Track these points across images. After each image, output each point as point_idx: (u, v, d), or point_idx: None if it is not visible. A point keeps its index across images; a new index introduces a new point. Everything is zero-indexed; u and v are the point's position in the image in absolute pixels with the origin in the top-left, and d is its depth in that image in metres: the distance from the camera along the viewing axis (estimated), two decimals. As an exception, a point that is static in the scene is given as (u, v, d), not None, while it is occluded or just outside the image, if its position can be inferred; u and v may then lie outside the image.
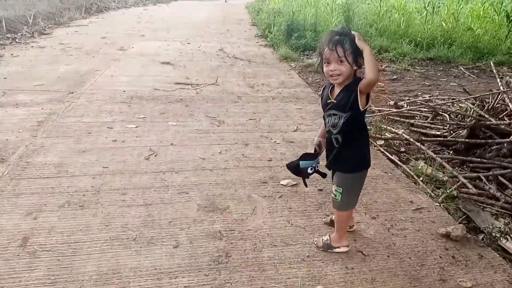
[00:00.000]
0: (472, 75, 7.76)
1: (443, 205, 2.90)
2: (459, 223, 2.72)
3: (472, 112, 4.02)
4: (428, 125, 4.46)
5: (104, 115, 4.35)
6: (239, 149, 3.68)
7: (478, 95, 4.24)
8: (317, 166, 2.25)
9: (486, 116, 3.74)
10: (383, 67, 7.75)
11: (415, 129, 4.49)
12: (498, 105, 4.12)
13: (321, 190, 3.01)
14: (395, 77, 7.18)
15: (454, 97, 5.27)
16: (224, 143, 3.80)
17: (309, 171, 2.22)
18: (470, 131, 3.66)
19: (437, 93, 6.28)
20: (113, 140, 3.71)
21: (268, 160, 3.47)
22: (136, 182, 3.01)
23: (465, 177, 3.32)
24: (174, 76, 6.15)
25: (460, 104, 4.34)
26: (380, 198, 2.93)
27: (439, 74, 7.72)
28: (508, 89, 3.95)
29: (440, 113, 4.54)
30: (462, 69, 8.14)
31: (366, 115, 2.10)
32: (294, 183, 3.06)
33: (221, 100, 5.10)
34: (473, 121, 3.76)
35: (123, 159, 3.38)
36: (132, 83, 5.64)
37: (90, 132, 3.88)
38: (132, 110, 4.57)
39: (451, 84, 6.94)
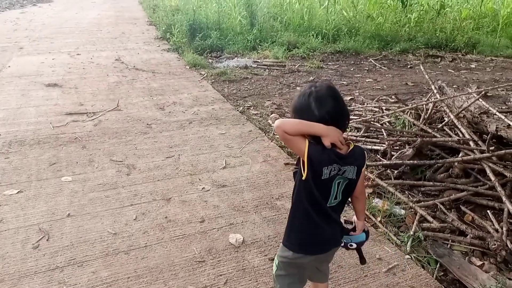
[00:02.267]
0: (383, 67, 7.74)
1: (413, 257, 2.49)
2: (436, 278, 2.34)
3: (410, 124, 3.71)
4: (363, 139, 4.09)
5: (-30, 179, 3.29)
6: (160, 208, 2.93)
7: (415, 105, 3.95)
8: (354, 242, 1.70)
9: (430, 131, 3.43)
10: (296, 67, 7.38)
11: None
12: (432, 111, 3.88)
13: (272, 259, 2.42)
14: (311, 78, 6.84)
15: (385, 105, 4.98)
16: (139, 201, 3.02)
17: (350, 246, 1.69)
18: (416, 150, 3.33)
19: (357, 93, 6.07)
20: (-16, 222, 2.75)
21: (200, 222, 2.78)
22: (22, 295, 2.15)
23: (421, 207, 2.98)
24: (64, 104, 5.08)
25: (396, 114, 4.02)
26: (342, 258, 2.43)
27: (352, 69, 7.57)
28: (447, 97, 3.69)
29: (372, 124, 4.20)
30: (372, 61, 8.13)
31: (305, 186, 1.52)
32: (238, 251, 2.43)
33: (126, 133, 4.24)
34: (417, 137, 3.43)
35: (1, 253, 2.45)
36: (10, 121, 4.49)
37: (-51, 212, 2.85)
38: (11, 164, 3.54)
39: (367, 80, 6.79)
